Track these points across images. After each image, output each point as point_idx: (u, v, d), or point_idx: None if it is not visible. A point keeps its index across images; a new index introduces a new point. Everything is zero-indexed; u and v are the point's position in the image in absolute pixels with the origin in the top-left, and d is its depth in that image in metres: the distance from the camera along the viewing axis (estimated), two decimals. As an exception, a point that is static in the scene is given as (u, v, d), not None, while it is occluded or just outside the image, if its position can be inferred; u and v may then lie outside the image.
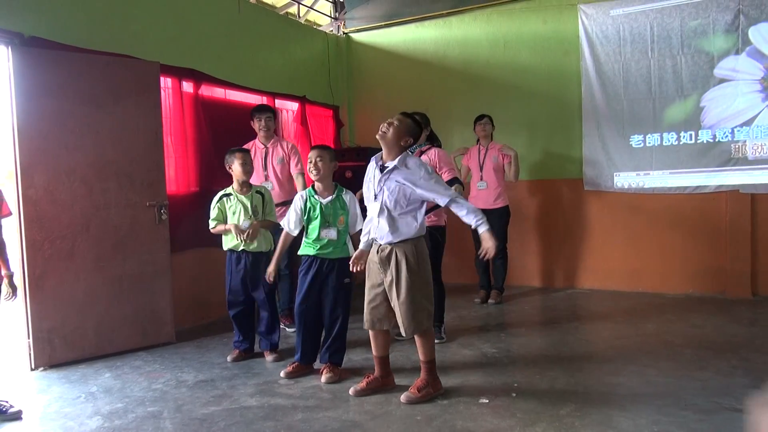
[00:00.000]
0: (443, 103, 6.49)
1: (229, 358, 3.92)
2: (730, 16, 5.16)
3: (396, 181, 2.99)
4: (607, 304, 5.23)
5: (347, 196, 3.51)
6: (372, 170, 3.13)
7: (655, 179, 5.52)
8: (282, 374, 3.52)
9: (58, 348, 3.85)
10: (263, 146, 4.78)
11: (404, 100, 6.69)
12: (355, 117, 7.17)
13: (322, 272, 3.45)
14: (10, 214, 3.22)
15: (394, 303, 3.03)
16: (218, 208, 3.90)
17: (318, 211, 3.46)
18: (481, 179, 5.36)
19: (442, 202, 2.98)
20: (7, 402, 3.03)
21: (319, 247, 3.45)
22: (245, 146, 4.57)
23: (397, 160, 3.01)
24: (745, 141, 5.16)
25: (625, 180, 5.65)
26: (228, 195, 3.92)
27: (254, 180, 4.13)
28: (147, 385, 3.44)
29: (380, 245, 3.07)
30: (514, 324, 4.70)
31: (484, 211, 5.31)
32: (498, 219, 5.33)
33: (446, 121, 6.13)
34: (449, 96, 6.51)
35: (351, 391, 3.16)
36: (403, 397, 3.04)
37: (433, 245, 4.08)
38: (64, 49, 3.96)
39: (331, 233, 3.43)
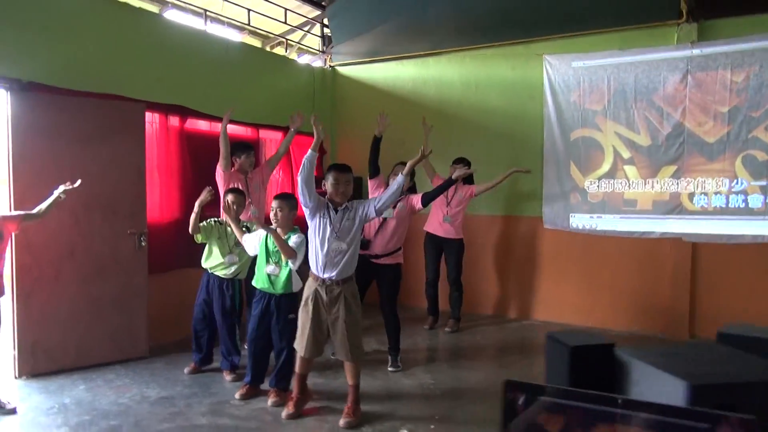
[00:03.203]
0: (419, 138, 6.83)
1: (186, 370, 4.42)
2: (679, 75, 5.55)
3: (348, 219, 3.51)
4: (554, 338, 5.61)
5: (294, 237, 3.84)
6: (326, 215, 3.53)
7: (607, 222, 5.92)
8: (237, 396, 3.95)
9: (41, 360, 4.31)
10: (243, 176, 5.20)
11: (384, 132, 7.11)
12: (337, 146, 7.60)
13: (269, 307, 3.91)
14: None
15: (341, 334, 3.50)
16: (209, 225, 4.32)
17: (267, 247, 3.90)
18: (447, 214, 5.79)
19: (394, 187, 3.52)
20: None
21: (266, 282, 3.89)
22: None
23: (347, 203, 3.57)
24: (689, 191, 5.54)
25: (579, 221, 6.06)
26: (221, 223, 4.38)
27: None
28: (114, 399, 3.88)
29: (328, 284, 3.51)
30: (463, 355, 5.09)
31: (444, 240, 5.78)
32: (456, 251, 5.77)
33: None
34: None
35: (284, 416, 3.60)
36: (343, 423, 3.46)
37: (396, 280, 4.59)
38: (58, 93, 4.43)
39: (275, 270, 3.87)
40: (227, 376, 4.33)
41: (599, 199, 5.95)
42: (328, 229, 3.49)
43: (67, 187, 3.91)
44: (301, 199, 3.53)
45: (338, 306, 3.50)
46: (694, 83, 5.49)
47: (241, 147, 5.15)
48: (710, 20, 5.56)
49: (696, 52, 5.49)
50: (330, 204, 3.55)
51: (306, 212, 3.57)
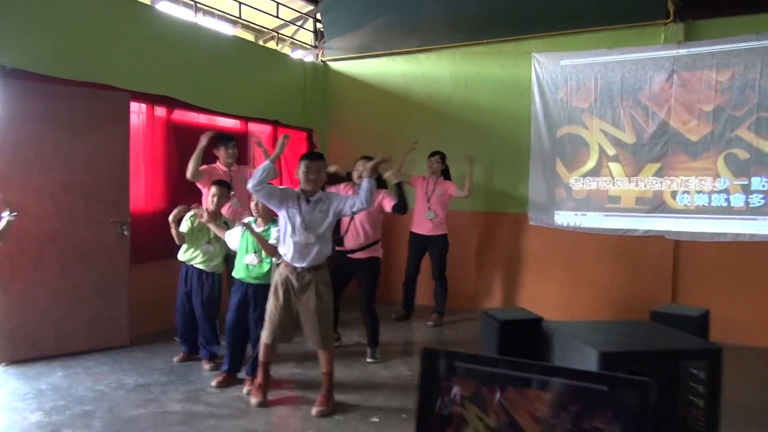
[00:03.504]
0: (408, 134, 6.88)
1: (175, 359, 4.46)
2: (665, 75, 5.57)
3: (321, 210, 3.53)
4: (537, 334, 5.65)
5: (275, 231, 3.90)
6: (296, 205, 3.53)
7: (591, 220, 5.95)
8: (213, 384, 3.97)
9: (20, 346, 4.33)
10: (227, 170, 5.19)
11: (374, 127, 7.19)
12: (328, 140, 7.62)
13: (247, 297, 3.94)
14: None
15: (312, 322, 3.52)
16: (189, 221, 4.31)
17: (248, 238, 3.93)
18: (429, 210, 5.81)
19: (365, 192, 3.47)
20: None
21: (245, 272, 3.92)
22: (205, 168, 5.01)
23: (320, 193, 3.59)
24: (672, 190, 5.57)
25: (564, 218, 6.08)
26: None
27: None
28: (91, 386, 3.90)
29: (299, 271, 3.53)
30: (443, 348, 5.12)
31: (427, 238, 5.81)
32: (440, 247, 5.80)
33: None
34: (414, 127, 6.94)
35: (253, 404, 3.61)
36: (315, 412, 3.50)
37: (372, 275, 4.62)
38: (43, 81, 4.44)
39: (254, 260, 3.91)
40: (206, 365, 4.35)
41: (584, 196, 5.98)
42: (298, 219, 3.50)
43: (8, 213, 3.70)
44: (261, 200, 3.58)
45: (309, 293, 3.52)
46: (680, 82, 5.51)
47: (221, 138, 5.13)
48: (697, 20, 5.59)
49: (682, 51, 5.51)
50: (302, 194, 3.56)
51: (271, 207, 3.63)
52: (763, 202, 5.18)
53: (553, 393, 1.31)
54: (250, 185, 3.45)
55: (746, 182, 5.22)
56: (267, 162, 3.46)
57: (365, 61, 7.36)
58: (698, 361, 1.82)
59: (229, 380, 4.01)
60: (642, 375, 1.21)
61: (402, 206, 4.44)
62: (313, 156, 3.65)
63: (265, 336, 3.62)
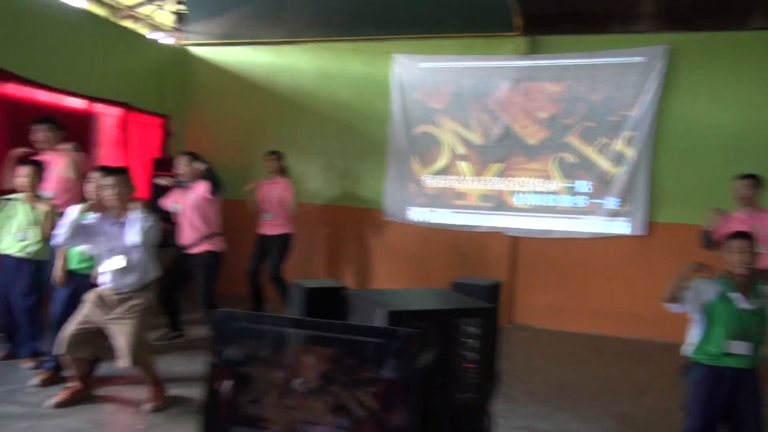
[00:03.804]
0: (271, 127, 6.87)
1: None
2: (510, 83, 6.04)
3: (131, 233, 3.33)
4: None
5: None
6: (105, 228, 3.36)
7: (440, 216, 6.31)
8: (35, 382, 3.66)
9: None
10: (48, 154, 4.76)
11: (236, 116, 7.03)
12: (186, 128, 7.30)
13: (76, 289, 3.68)
14: None
15: (122, 339, 3.29)
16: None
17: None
18: (266, 211, 5.74)
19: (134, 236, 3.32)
20: None
21: (75, 262, 3.68)
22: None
23: (134, 214, 3.35)
24: (512, 189, 6.06)
25: (416, 214, 6.39)
26: (13, 201, 3.98)
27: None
28: None
29: (116, 292, 3.36)
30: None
31: (267, 237, 5.75)
32: (278, 246, 5.72)
33: (272, 145, 6.41)
34: (277, 121, 6.90)
35: (52, 403, 3.36)
36: (147, 407, 3.38)
37: (208, 269, 4.55)
38: None
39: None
40: (27, 363, 3.99)
41: (435, 193, 6.32)
42: (111, 244, 3.35)
43: None
44: None
45: (120, 309, 3.34)
46: (522, 91, 6.01)
47: (38, 120, 4.63)
48: (540, 36, 6.10)
49: (525, 63, 6.01)
50: (112, 216, 3.38)
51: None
52: (586, 203, 5.81)
53: (333, 348, 1.40)
54: (57, 241, 3.31)
55: (572, 185, 5.83)
56: (74, 218, 3.25)
57: (228, 49, 7.17)
58: (474, 319, 2.06)
59: (54, 378, 3.71)
60: (425, 331, 1.34)
61: (215, 189, 4.59)
62: (106, 170, 3.44)
63: (58, 346, 3.35)
